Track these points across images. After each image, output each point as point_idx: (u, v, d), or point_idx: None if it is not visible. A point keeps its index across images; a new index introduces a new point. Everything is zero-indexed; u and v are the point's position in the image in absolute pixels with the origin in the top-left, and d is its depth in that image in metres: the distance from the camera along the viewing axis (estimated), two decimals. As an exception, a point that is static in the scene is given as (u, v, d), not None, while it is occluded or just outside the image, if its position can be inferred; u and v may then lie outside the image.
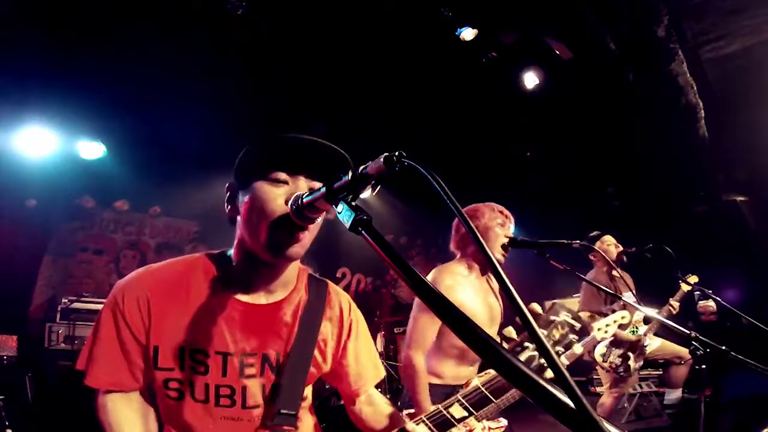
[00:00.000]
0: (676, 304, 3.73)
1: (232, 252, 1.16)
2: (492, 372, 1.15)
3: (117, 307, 1.05)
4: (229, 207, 1.14)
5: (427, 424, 1.11)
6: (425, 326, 2.05)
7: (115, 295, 1.07)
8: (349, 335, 1.29)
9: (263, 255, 1.08)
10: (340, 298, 1.30)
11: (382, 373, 1.39)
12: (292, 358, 1.12)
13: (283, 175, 1.05)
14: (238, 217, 1.12)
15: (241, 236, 1.11)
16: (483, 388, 1.14)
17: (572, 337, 1.24)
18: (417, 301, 2.14)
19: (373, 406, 1.34)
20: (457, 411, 1.09)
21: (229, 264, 1.14)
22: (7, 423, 3.35)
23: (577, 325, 1.25)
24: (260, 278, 1.13)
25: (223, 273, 1.12)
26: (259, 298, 1.13)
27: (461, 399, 1.12)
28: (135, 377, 1.06)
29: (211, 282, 1.10)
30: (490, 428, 1.98)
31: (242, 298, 1.11)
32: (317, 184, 1.07)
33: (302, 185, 1.06)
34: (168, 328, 1.05)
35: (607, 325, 2.21)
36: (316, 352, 1.19)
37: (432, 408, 1.14)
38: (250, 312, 1.11)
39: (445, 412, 1.10)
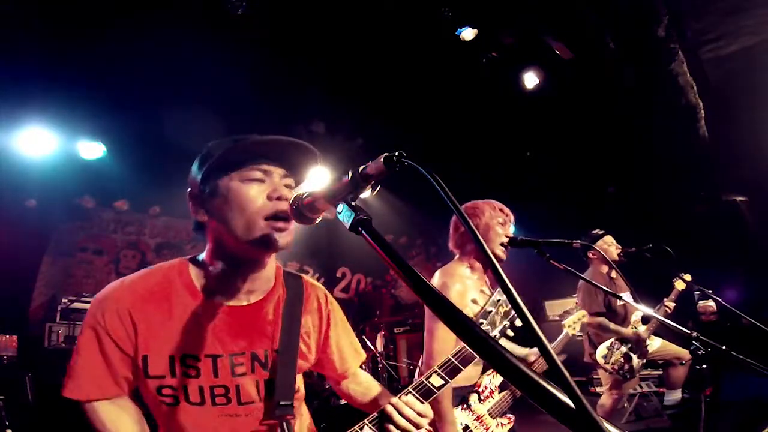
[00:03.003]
0: (672, 304, 3.69)
1: (204, 257, 1.16)
2: (461, 344, 1.33)
3: (98, 323, 1.05)
4: (199, 213, 1.13)
5: (413, 394, 1.24)
6: (444, 336, 2.03)
7: (94, 312, 1.06)
8: (328, 325, 1.34)
9: (251, 252, 1.09)
10: (316, 291, 1.34)
11: (363, 356, 1.48)
12: (280, 353, 1.16)
13: (258, 174, 1.08)
14: (212, 222, 1.12)
15: (218, 239, 1.12)
16: (453, 359, 1.33)
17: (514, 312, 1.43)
18: (429, 312, 2.13)
19: (359, 384, 1.44)
20: (435, 380, 1.28)
21: (205, 269, 1.15)
22: (7, 423, 3.35)
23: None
24: (242, 279, 1.14)
25: (202, 278, 1.14)
26: (241, 300, 1.15)
27: (438, 370, 1.30)
28: (119, 385, 1.07)
29: (191, 289, 1.12)
30: (502, 424, 2.00)
31: (225, 301, 1.13)
32: (290, 180, 1.13)
33: (277, 181, 1.10)
34: (155, 338, 1.06)
35: (574, 322, 2.38)
36: (302, 345, 1.23)
37: (416, 381, 1.29)
38: (234, 314, 1.13)
39: (426, 382, 1.27)
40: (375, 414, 1.20)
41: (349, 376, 1.43)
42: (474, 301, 2.12)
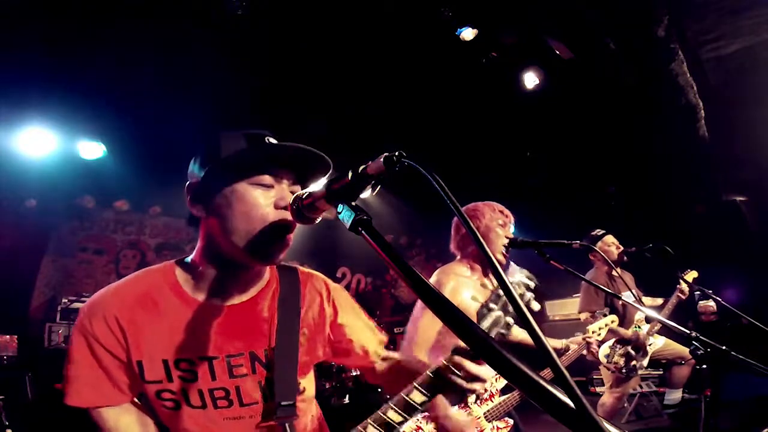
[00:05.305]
0: (686, 288, 3.57)
1: (192, 257, 1.13)
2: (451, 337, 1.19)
3: (86, 330, 1.03)
4: (196, 207, 1.09)
5: (419, 389, 1.11)
6: (427, 327, 2.05)
7: (82, 319, 1.05)
8: (336, 313, 1.27)
9: (245, 259, 1.06)
10: (313, 280, 1.28)
11: (383, 336, 1.38)
12: (278, 350, 1.11)
13: (269, 179, 1.05)
14: (210, 220, 1.08)
15: (212, 239, 1.08)
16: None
17: (529, 294, 1.34)
18: (419, 302, 2.14)
19: (390, 362, 1.34)
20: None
21: (194, 270, 1.11)
22: (7, 423, 3.35)
23: (532, 284, 1.35)
24: (232, 280, 1.11)
25: (191, 279, 1.10)
26: (233, 299, 1.12)
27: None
28: (122, 391, 1.06)
29: (178, 291, 1.08)
30: (498, 428, 1.99)
31: (216, 301, 1.10)
32: (297, 188, 1.09)
33: (285, 189, 1.06)
34: (146, 343, 1.03)
35: (599, 329, 2.35)
36: (303, 340, 1.18)
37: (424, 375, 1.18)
38: (227, 314, 1.09)
39: (431, 374, 1.16)
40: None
41: (377, 359, 1.34)
42: (474, 299, 2.11)
